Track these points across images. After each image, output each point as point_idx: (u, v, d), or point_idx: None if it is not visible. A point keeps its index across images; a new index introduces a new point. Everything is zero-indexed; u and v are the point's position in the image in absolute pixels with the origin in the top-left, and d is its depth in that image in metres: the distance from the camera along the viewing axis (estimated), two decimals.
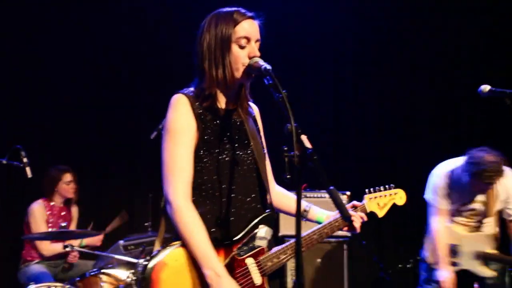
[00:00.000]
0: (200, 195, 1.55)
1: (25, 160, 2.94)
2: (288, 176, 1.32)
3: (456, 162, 3.43)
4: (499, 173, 3.18)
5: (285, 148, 1.31)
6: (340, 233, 2.17)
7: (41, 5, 4.44)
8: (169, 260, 1.44)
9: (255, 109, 1.80)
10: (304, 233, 1.57)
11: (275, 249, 1.58)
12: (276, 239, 3.91)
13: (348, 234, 3.88)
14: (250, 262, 1.50)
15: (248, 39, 1.53)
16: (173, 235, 1.51)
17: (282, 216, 4.14)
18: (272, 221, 1.59)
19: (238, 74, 1.53)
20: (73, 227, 3.86)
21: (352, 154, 5.54)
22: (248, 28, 1.54)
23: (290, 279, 4.46)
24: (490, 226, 3.47)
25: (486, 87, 2.28)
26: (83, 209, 4.05)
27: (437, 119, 5.47)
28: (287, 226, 4.14)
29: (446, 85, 5.70)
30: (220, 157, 1.55)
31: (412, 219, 4.77)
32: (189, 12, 4.90)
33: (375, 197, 1.86)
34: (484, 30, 5.74)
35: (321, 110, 5.43)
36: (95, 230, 3.78)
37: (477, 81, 2.46)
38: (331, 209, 4.51)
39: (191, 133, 1.53)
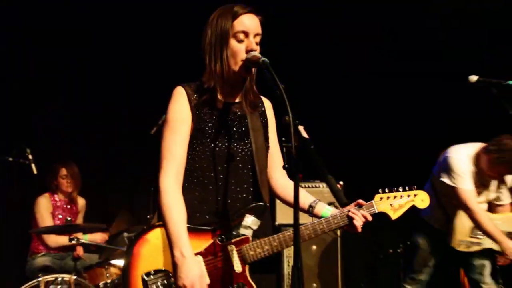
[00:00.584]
0: (192, 182, 1.58)
1: (30, 157, 2.95)
2: (286, 166, 1.34)
3: (474, 146, 3.38)
4: None
5: (283, 139, 1.33)
6: None
7: None
8: (151, 238, 1.51)
9: (266, 103, 1.74)
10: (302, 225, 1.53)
11: (261, 239, 1.53)
12: (273, 228, 3.98)
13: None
14: (231, 249, 1.49)
15: (246, 33, 1.53)
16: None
17: (278, 206, 4.18)
18: (261, 213, 1.55)
19: (236, 67, 1.53)
20: (80, 219, 3.86)
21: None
22: (246, 22, 1.53)
23: (286, 265, 4.50)
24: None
25: (473, 77, 2.28)
26: (88, 202, 4.04)
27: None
28: (284, 215, 4.15)
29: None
30: (214, 148, 1.56)
31: None
32: (194, 11, 4.90)
33: (388, 197, 1.65)
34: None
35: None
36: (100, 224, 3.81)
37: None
38: (324, 198, 4.56)
39: (186, 123, 1.55)
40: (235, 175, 1.57)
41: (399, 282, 3.81)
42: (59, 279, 2.88)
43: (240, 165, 1.58)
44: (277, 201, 3.46)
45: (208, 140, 1.56)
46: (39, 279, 2.87)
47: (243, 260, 1.49)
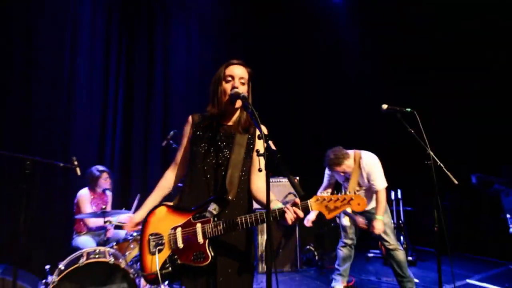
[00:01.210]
0: (190, 176, 1.68)
1: (75, 163, 2.92)
2: (260, 169, 1.42)
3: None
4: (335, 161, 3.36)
5: (257, 150, 1.40)
6: None
7: None
8: (157, 212, 1.64)
9: (263, 129, 1.57)
10: (246, 215, 1.50)
11: (218, 221, 1.51)
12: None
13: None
14: (198, 226, 1.52)
15: (232, 77, 1.63)
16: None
17: None
18: (222, 202, 1.54)
19: (225, 100, 1.63)
20: (108, 208, 3.82)
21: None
22: (233, 70, 1.64)
23: (260, 237, 4.53)
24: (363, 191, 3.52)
25: (384, 106, 2.37)
26: (115, 195, 4.01)
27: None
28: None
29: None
30: (205, 155, 1.65)
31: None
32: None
33: (324, 199, 1.47)
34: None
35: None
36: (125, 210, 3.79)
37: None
38: (286, 190, 4.60)
39: (187, 138, 1.74)
40: (213, 175, 1.62)
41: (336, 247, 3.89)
42: (97, 250, 2.84)
43: (218, 168, 1.63)
44: None
45: (202, 149, 1.65)
46: (82, 250, 2.83)
47: (204, 234, 1.51)
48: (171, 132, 3.46)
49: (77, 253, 2.84)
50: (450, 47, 5.16)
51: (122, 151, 4.50)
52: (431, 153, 2.14)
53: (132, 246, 3.15)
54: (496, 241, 4.52)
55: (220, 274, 1.53)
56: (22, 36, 3.85)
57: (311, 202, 1.46)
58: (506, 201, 3.93)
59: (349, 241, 3.73)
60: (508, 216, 3.75)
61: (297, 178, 4.52)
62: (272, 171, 1.31)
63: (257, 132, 1.71)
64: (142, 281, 3.13)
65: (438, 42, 5.28)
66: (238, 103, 1.61)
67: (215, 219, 1.52)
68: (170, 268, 1.51)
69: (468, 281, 4.02)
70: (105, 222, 3.22)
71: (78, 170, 2.97)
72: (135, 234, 3.26)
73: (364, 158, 3.43)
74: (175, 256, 1.52)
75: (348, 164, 3.41)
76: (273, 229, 4.48)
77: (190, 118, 1.74)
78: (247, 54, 5.17)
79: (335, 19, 5.96)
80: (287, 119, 5.66)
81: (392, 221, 3.72)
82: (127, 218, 3.66)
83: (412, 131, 2.22)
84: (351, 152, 3.46)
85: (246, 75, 1.65)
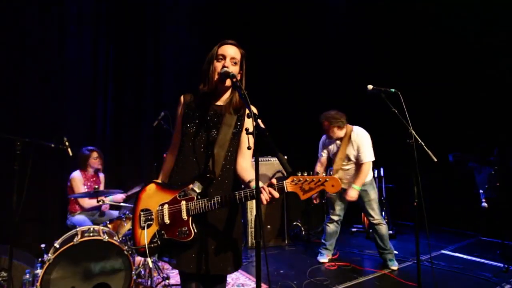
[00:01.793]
0: (180, 154, 1.67)
1: (67, 143, 2.84)
2: (249, 146, 1.40)
3: None
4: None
5: (247, 128, 1.37)
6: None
7: None
8: (147, 189, 1.64)
9: (252, 109, 1.52)
10: (227, 194, 1.48)
11: (201, 200, 1.50)
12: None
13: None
14: (183, 203, 1.53)
15: (224, 56, 1.58)
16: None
17: None
18: (205, 181, 1.54)
19: (215, 78, 1.59)
20: (101, 188, 3.78)
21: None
22: (226, 49, 1.60)
23: (249, 214, 4.58)
24: (351, 165, 3.61)
25: (370, 86, 2.35)
26: (108, 175, 3.95)
27: None
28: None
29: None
30: (194, 133, 1.62)
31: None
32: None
33: (300, 180, 1.40)
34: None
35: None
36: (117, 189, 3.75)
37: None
38: (274, 168, 4.62)
39: (180, 118, 1.70)
40: (200, 154, 1.60)
41: (323, 223, 3.97)
42: (91, 228, 2.82)
43: (204, 147, 1.60)
44: None
45: (191, 128, 1.63)
46: (77, 229, 2.81)
47: (187, 212, 1.51)
48: (162, 113, 3.39)
49: (72, 231, 2.82)
50: (434, 28, 5.12)
51: (114, 133, 4.40)
52: (413, 132, 2.15)
53: (125, 224, 3.14)
54: (469, 215, 4.68)
55: (204, 250, 1.53)
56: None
57: (286, 182, 1.42)
58: (479, 178, 4.04)
59: (336, 217, 3.80)
60: (480, 191, 3.86)
61: (286, 157, 4.53)
62: (260, 150, 1.29)
63: (247, 112, 1.68)
64: (137, 258, 3.14)
65: (421, 23, 5.24)
66: (228, 82, 1.58)
67: (198, 197, 1.51)
68: (158, 242, 1.53)
69: (443, 251, 4.19)
70: (98, 201, 3.19)
71: (69, 150, 2.89)
72: (127, 213, 3.26)
73: (355, 131, 3.52)
74: (162, 231, 1.53)
75: (343, 129, 3.49)
76: (262, 207, 4.52)
77: (181, 98, 1.71)
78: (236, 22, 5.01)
79: None
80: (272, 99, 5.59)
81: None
82: (120, 197, 3.64)
83: (396, 111, 2.22)
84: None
85: (238, 56, 1.61)
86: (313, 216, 5.35)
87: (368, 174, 3.52)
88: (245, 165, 1.63)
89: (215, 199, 1.48)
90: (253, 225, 4.55)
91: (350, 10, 5.89)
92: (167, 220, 1.52)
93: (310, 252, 4.31)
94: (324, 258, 3.89)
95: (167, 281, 3.23)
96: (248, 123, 1.64)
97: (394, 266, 3.61)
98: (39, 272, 2.45)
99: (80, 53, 4.22)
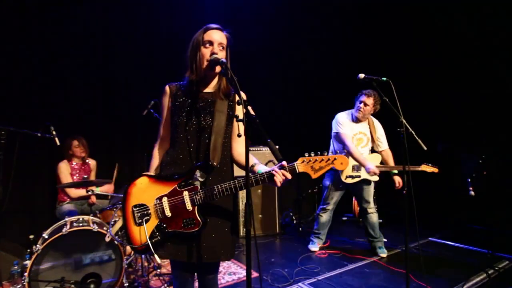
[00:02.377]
0: (172, 145, 1.61)
1: (54, 132, 2.77)
2: (239, 134, 1.37)
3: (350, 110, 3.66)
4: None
5: (237, 115, 1.34)
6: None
7: None
8: (137, 182, 1.56)
9: (242, 96, 1.60)
10: (234, 180, 1.46)
11: (205, 189, 1.47)
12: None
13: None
14: (185, 194, 1.48)
15: (211, 42, 1.53)
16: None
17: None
18: (207, 169, 1.49)
19: (204, 66, 1.53)
20: (92, 176, 3.71)
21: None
22: (212, 35, 1.54)
23: (241, 203, 4.59)
24: (366, 149, 3.61)
25: (361, 75, 2.34)
26: (98, 162, 3.86)
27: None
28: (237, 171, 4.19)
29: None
30: (186, 123, 1.56)
31: None
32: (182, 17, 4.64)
33: (310, 160, 1.45)
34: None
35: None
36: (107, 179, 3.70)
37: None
38: (265, 158, 4.59)
39: (167, 109, 1.63)
40: (196, 143, 1.55)
41: (314, 212, 4.00)
42: (80, 219, 2.79)
43: (200, 135, 1.56)
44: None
45: (183, 118, 1.57)
46: (66, 219, 2.77)
47: (192, 202, 1.47)
48: (152, 101, 3.33)
49: (61, 222, 2.79)
50: (429, 16, 5.11)
51: (106, 121, 4.31)
52: (404, 120, 2.16)
53: (115, 215, 3.10)
54: (456, 203, 4.77)
55: (204, 239, 1.51)
56: None
57: (297, 163, 1.45)
58: (466, 167, 4.11)
59: (330, 207, 3.84)
60: (468, 180, 3.93)
61: (277, 146, 4.53)
62: (251, 137, 1.26)
63: (237, 99, 1.66)
64: (128, 247, 3.12)
65: (416, 11, 5.22)
66: (218, 68, 1.54)
67: (202, 186, 1.48)
68: (159, 237, 1.48)
69: (430, 238, 4.28)
70: (87, 191, 3.14)
71: (57, 140, 2.84)
72: (117, 205, 3.22)
73: (374, 119, 3.67)
74: (164, 225, 1.48)
75: (376, 110, 3.56)
76: (254, 196, 4.53)
77: (167, 88, 1.63)
78: None
79: None
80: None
81: None
82: (109, 187, 3.60)
83: (387, 99, 2.21)
84: None
85: (224, 41, 1.55)
86: (304, 205, 5.41)
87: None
88: (242, 151, 1.62)
89: (225, 185, 1.45)
90: (243, 214, 4.55)
91: None
92: (168, 213, 1.47)
93: (301, 240, 4.36)
94: (315, 246, 3.93)
95: (158, 270, 3.23)
96: (239, 110, 1.62)
97: (383, 253, 3.68)
98: (28, 263, 2.42)
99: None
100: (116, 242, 2.59)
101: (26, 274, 2.36)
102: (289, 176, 1.40)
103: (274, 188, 4.67)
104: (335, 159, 1.47)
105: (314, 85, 5.87)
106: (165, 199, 1.49)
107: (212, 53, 1.51)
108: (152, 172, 1.67)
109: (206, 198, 1.46)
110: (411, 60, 5.29)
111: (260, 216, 4.64)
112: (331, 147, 3.74)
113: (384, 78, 2.24)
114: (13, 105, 3.60)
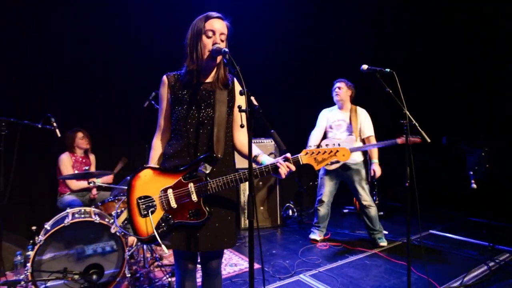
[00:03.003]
0: (174, 137, 1.60)
1: (54, 124, 2.76)
2: (242, 124, 1.36)
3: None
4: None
5: (239, 105, 1.33)
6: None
7: None
8: (141, 175, 1.55)
9: (237, 85, 1.61)
10: (240, 172, 1.45)
11: (211, 180, 1.46)
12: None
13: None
14: (191, 185, 1.48)
15: (213, 32, 1.50)
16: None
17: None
18: (212, 160, 1.48)
19: (205, 56, 1.51)
20: (92, 169, 3.73)
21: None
22: (214, 24, 1.50)
23: (242, 195, 4.60)
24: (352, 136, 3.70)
25: (365, 66, 2.32)
26: (98, 156, 3.89)
27: None
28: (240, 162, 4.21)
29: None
30: (187, 114, 1.55)
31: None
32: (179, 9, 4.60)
33: (313, 153, 1.48)
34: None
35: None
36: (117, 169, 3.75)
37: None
38: (267, 150, 4.59)
39: (166, 101, 1.61)
40: (199, 134, 1.54)
41: (314, 205, 4.00)
42: (82, 210, 2.80)
43: (202, 127, 1.55)
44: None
45: (184, 109, 1.55)
46: (68, 210, 2.78)
47: (198, 193, 1.47)
48: (153, 93, 3.31)
49: (63, 213, 2.80)
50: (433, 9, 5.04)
51: (104, 114, 4.30)
52: (407, 112, 2.14)
53: (117, 206, 3.12)
54: (458, 196, 4.77)
55: (208, 228, 1.52)
56: None
57: (301, 156, 1.47)
58: (469, 160, 4.10)
59: (326, 199, 3.85)
60: (471, 173, 3.92)
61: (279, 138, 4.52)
62: (254, 129, 1.25)
63: (237, 88, 1.63)
64: (130, 239, 3.14)
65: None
66: (219, 59, 1.52)
67: (207, 177, 1.48)
68: (164, 228, 1.48)
69: (431, 231, 4.29)
70: (89, 183, 3.15)
71: (57, 131, 2.83)
72: (120, 196, 3.23)
73: (359, 108, 3.76)
74: (170, 216, 1.48)
75: (350, 94, 3.77)
76: (255, 188, 4.54)
77: (165, 79, 1.60)
78: None
79: None
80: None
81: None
82: (110, 178, 3.61)
83: (390, 91, 2.19)
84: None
85: (225, 30, 1.52)
86: (305, 197, 5.41)
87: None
88: (244, 140, 1.62)
89: (230, 177, 1.45)
90: (245, 206, 4.58)
91: None
92: (174, 205, 1.48)
93: (302, 233, 4.38)
94: (316, 235, 3.95)
95: (160, 261, 3.26)
96: (241, 100, 1.61)
97: (383, 242, 3.69)
98: (31, 253, 2.44)
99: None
100: (121, 232, 2.61)
101: (29, 264, 2.38)
102: (293, 168, 1.43)
103: (275, 181, 4.68)
104: (337, 151, 1.50)
105: (313, 81, 5.82)
106: (170, 191, 1.49)
107: (214, 43, 1.49)
108: (152, 163, 1.67)
109: (211, 189, 1.46)
110: (417, 54, 5.23)
111: (262, 208, 4.66)
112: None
113: (388, 70, 2.21)
114: (13, 98, 3.60)
